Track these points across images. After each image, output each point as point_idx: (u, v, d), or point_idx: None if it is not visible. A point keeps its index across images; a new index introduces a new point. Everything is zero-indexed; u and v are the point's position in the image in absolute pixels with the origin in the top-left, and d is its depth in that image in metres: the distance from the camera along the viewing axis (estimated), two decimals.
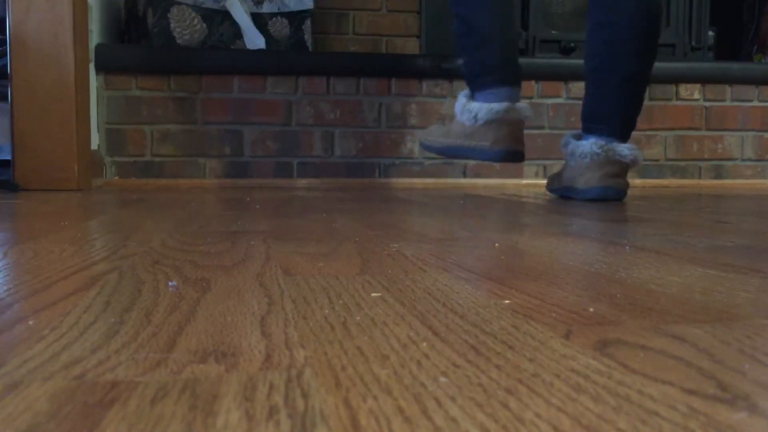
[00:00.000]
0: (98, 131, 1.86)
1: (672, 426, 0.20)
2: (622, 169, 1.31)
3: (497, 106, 1.31)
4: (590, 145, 1.30)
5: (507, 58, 1.35)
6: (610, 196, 1.30)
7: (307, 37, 2.13)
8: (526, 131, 2.05)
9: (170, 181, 1.91)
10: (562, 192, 1.40)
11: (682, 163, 2.13)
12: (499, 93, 1.33)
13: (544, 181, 2.07)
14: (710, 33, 2.27)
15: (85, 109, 1.64)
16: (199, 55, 1.90)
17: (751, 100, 2.14)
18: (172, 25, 1.94)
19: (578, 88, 2.05)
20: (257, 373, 0.25)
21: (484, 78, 1.34)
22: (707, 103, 2.12)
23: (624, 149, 1.30)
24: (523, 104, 1.35)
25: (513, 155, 1.34)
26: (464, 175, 2.02)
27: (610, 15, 1.30)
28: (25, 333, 0.30)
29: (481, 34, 1.34)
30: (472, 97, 1.37)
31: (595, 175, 1.30)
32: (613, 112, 1.32)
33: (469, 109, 1.34)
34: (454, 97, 2.00)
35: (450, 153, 1.42)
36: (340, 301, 0.38)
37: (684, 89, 2.11)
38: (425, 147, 1.48)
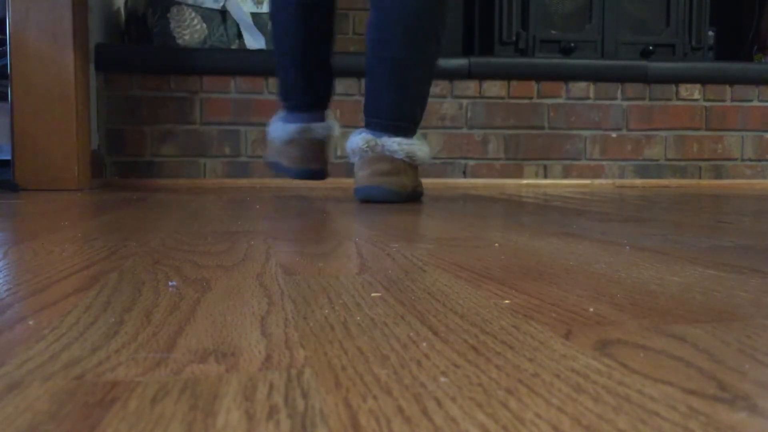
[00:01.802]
0: (98, 131, 1.86)
1: (672, 426, 0.20)
2: (394, 166, 1.17)
3: (291, 127, 1.31)
4: (358, 140, 1.19)
5: (310, 81, 1.31)
6: (377, 197, 1.16)
7: None
8: (526, 131, 2.05)
9: (170, 181, 1.90)
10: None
11: (682, 163, 2.13)
12: (298, 115, 1.31)
13: (545, 181, 2.07)
14: (710, 33, 2.27)
15: (85, 109, 1.64)
16: (199, 55, 1.90)
17: (751, 100, 2.14)
18: (172, 25, 1.94)
19: (578, 88, 2.05)
20: (257, 373, 0.25)
21: (286, 100, 1.33)
22: (707, 103, 2.12)
23: (393, 144, 1.17)
24: (319, 125, 1.31)
25: (308, 174, 1.31)
26: (464, 175, 2.02)
27: None
28: (25, 333, 0.30)
29: (286, 58, 1.30)
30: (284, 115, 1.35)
31: (365, 174, 1.17)
32: (383, 104, 1.20)
33: (272, 129, 1.35)
34: (454, 97, 2.00)
35: (273, 168, 1.40)
36: (340, 301, 0.37)
37: (684, 89, 2.11)
38: (265, 162, 1.46)
